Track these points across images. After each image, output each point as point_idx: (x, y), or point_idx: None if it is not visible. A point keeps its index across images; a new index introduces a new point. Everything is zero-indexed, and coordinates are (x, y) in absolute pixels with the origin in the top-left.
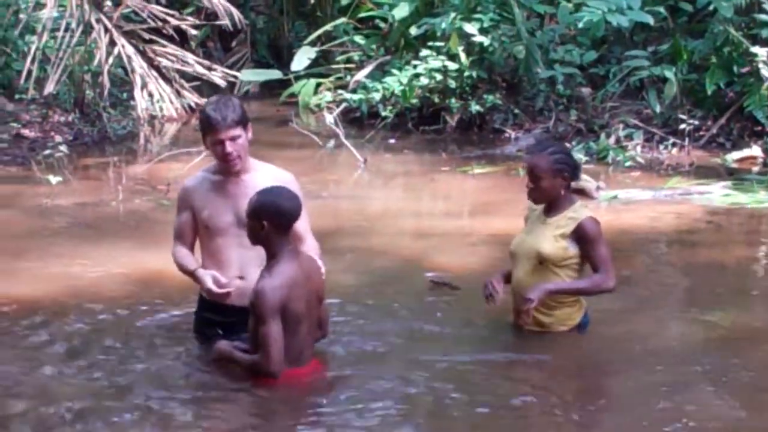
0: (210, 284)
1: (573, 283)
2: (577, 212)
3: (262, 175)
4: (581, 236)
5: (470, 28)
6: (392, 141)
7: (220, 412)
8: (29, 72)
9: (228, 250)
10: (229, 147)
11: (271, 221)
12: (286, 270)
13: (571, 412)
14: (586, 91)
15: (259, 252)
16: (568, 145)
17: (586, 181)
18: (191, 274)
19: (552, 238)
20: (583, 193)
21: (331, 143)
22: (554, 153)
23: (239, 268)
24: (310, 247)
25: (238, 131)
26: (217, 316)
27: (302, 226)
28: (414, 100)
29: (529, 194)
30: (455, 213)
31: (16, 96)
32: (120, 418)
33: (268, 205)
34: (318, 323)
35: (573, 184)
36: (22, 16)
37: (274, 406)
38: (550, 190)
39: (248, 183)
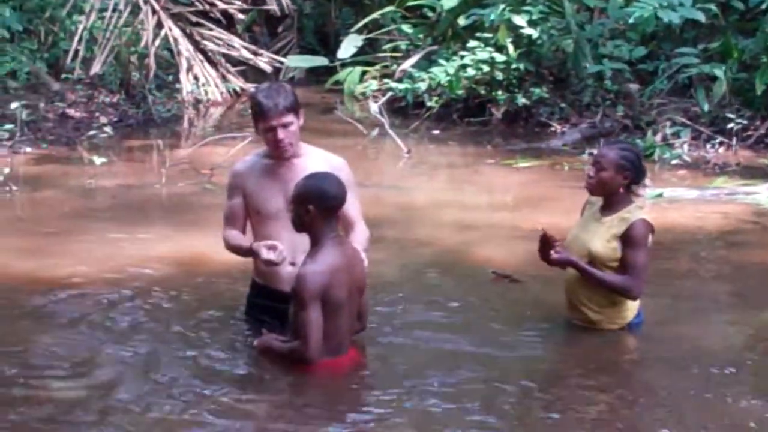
0: (265, 254)
1: (600, 273)
2: (631, 213)
3: (313, 159)
4: (627, 236)
5: (519, 20)
6: (437, 132)
7: (257, 399)
8: (76, 52)
9: (279, 235)
10: (281, 134)
11: (317, 206)
12: (329, 256)
13: (609, 410)
14: (634, 87)
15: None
16: (628, 141)
17: None
18: (247, 251)
19: (604, 238)
20: (633, 194)
21: (376, 132)
22: (624, 150)
23: (290, 254)
24: (360, 232)
25: (290, 118)
26: (268, 302)
27: (353, 211)
28: (460, 91)
29: (588, 182)
30: (499, 206)
31: (63, 76)
32: (156, 399)
33: (314, 189)
34: (358, 314)
35: None
36: None
37: (311, 394)
38: (609, 183)
39: (300, 167)
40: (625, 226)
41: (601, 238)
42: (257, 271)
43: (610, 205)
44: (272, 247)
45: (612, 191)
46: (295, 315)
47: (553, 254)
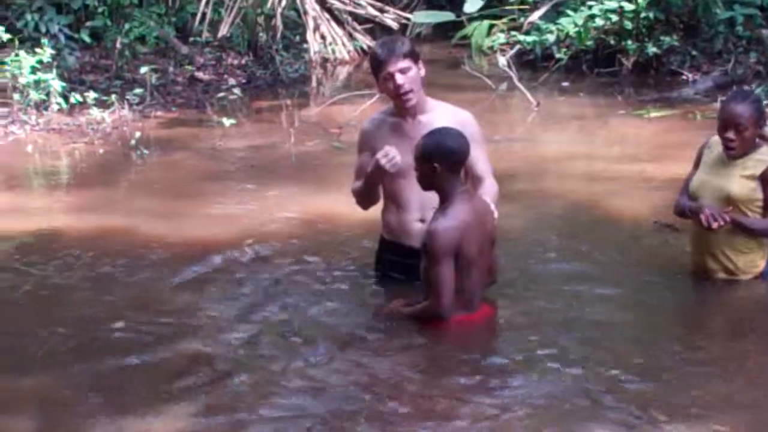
0: (382, 159)
1: (759, 223)
2: (766, 154)
3: (439, 115)
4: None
5: None
6: (566, 84)
7: (387, 358)
8: (204, 15)
9: (408, 192)
10: (400, 79)
11: (443, 162)
12: (459, 212)
13: (732, 362)
14: (766, 32)
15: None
16: (747, 88)
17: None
18: (369, 177)
19: (740, 179)
20: (762, 137)
21: (504, 86)
22: (755, 101)
23: (420, 210)
24: (489, 185)
25: (407, 63)
26: (396, 257)
27: (482, 166)
28: (589, 42)
29: (730, 146)
30: (630, 157)
31: (191, 39)
32: (281, 360)
33: (438, 146)
34: (489, 269)
35: None
36: None
37: (443, 352)
38: (750, 139)
39: (426, 124)
40: (763, 167)
41: (737, 180)
42: (386, 227)
43: None
44: (386, 154)
45: (752, 145)
46: (426, 271)
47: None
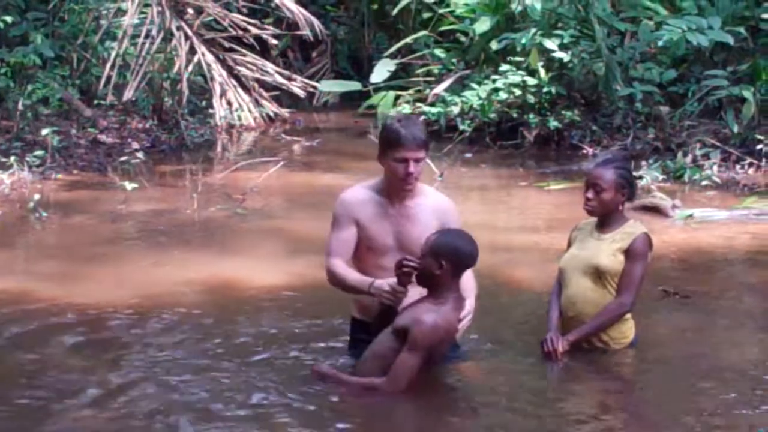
0: (387, 288)
1: (593, 324)
2: (635, 227)
3: (423, 200)
4: (630, 250)
5: (550, 43)
6: (469, 155)
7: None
8: (108, 78)
9: (383, 273)
10: (413, 167)
11: (450, 263)
12: (450, 315)
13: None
14: (664, 109)
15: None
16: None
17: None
18: (359, 291)
19: (610, 253)
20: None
21: None
22: (620, 168)
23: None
24: (468, 280)
25: (422, 153)
26: (370, 336)
27: None
28: (492, 115)
29: (587, 204)
30: (531, 228)
31: (95, 102)
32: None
33: (449, 246)
34: None
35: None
36: (102, 22)
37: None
38: (609, 203)
39: (411, 208)
40: (630, 240)
41: (606, 253)
42: (359, 306)
43: (608, 224)
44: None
45: (611, 210)
46: (395, 352)
47: (562, 348)
